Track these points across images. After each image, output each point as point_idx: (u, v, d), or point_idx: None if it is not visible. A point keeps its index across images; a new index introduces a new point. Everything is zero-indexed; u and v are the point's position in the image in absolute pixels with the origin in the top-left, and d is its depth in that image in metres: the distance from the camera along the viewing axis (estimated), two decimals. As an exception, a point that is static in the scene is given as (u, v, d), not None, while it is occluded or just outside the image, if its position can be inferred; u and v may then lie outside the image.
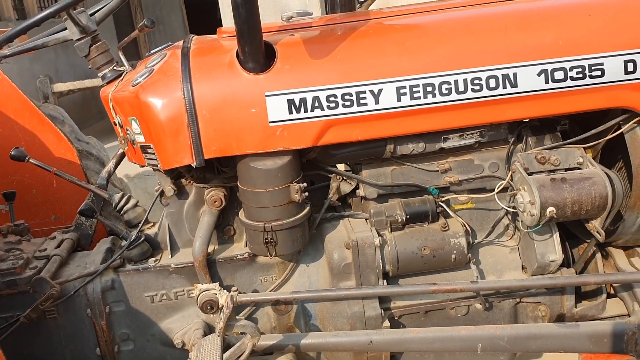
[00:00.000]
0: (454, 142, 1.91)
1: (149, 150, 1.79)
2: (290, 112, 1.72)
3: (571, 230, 2.14)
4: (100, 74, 1.97)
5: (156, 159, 1.78)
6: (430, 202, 1.93)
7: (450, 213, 1.97)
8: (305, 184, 1.82)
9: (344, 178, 2.00)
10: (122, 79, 1.92)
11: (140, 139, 1.80)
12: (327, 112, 1.72)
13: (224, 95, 1.71)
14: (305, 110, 1.72)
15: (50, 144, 2.57)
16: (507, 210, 1.95)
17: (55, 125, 2.75)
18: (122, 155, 2.25)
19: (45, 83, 5.84)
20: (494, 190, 1.94)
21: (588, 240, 2.06)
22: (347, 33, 1.82)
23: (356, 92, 1.72)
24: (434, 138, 1.90)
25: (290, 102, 1.71)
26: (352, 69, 1.74)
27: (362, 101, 1.72)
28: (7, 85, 2.55)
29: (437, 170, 1.96)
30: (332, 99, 1.72)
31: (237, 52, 1.73)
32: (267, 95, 1.70)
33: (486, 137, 1.92)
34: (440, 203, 1.95)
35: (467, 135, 1.90)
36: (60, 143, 2.58)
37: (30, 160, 2.13)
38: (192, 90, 1.69)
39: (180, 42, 1.92)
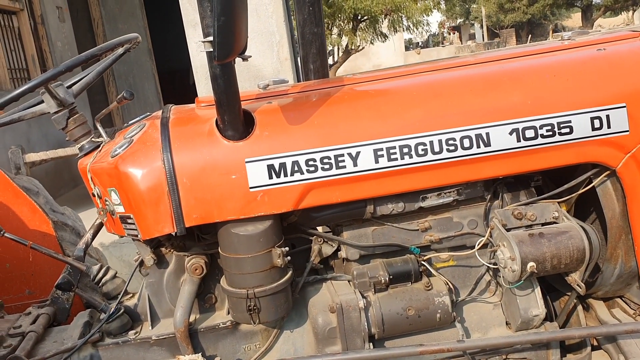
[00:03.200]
0: (432, 201, 1.93)
1: (129, 221, 1.78)
2: (270, 177, 1.73)
3: (552, 283, 2.16)
4: (78, 146, 1.97)
5: (136, 229, 1.77)
6: (413, 262, 1.94)
7: (433, 271, 1.98)
8: (287, 248, 1.82)
9: (325, 240, 2.00)
10: (100, 150, 1.92)
11: (120, 209, 1.79)
12: (306, 175, 1.74)
13: (204, 163, 1.72)
14: (285, 175, 1.73)
15: (25, 217, 2.53)
16: (488, 266, 1.97)
17: (30, 197, 2.71)
18: (99, 226, 2.23)
19: (17, 153, 5.78)
20: (474, 247, 1.96)
21: (569, 293, 2.08)
22: (323, 99, 1.86)
23: (335, 156, 1.74)
24: (412, 198, 1.92)
25: (270, 167, 1.73)
26: (329, 134, 1.77)
27: (340, 164, 1.75)
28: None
29: (417, 229, 1.98)
30: (311, 162, 1.74)
31: (216, 120, 1.76)
32: (247, 162, 1.72)
33: (463, 195, 1.95)
34: (422, 262, 1.95)
35: (445, 193, 1.93)
36: (35, 215, 2.54)
37: (5, 234, 2.09)
38: (173, 159, 1.70)
39: (159, 112, 1.94)
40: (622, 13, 38.30)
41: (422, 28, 23.87)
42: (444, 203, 1.94)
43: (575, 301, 2.07)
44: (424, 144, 1.77)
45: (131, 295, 2.09)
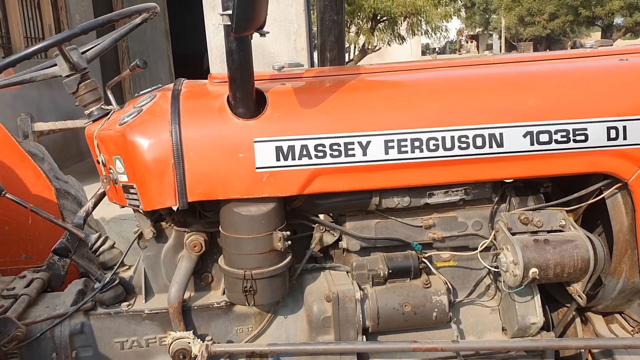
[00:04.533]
0: (438, 198, 1.90)
1: (132, 191, 1.76)
2: (278, 159, 1.71)
3: (551, 293, 2.13)
4: (87, 112, 1.95)
5: (138, 200, 1.75)
6: (413, 258, 1.91)
7: (433, 270, 1.95)
8: (288, 233, 1.80)
9: (327, 229, 1.97)
10: (108, 118, 1.91)
11: (123, 178, 1.77)
12: (314, 160, 1.72)
13: (212, 138, 1.70)
14: (293, 158, 1.71)
15: (28, 181, 2.51)
16: (489, 269, 1.94)
17: (35, 162, 2.70)
18: (101, 196, 2.21)
19: (26, 121, 5.78)
20: (476, 248, 1.94)
21: (568, 305, 2.05)
22: (338, 85, 1.84)
23: (344, 143, 1.72)
24: (419, 193, 1.89)
25: (279, 149, 1.70)
26: (341, 120, 1.75)
27: (350, 152, 1.72)
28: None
29: (421, 226, 1.95)
30: (320, 148, 1.71)
31: (227, 97, 1.73)
32: (255, 141, 1.70)
33: (471, 195, 1.93)
34: (423, 259, 1.93)
35: (452, 192, 1.90)
36: (39, 180, 2.52)
37: (7, 194, 2.08)
38: (181, 132, 1.68)
39: (171, 85, 1.92)
40: (642, 36, 38.09)
41: (441, 34, 23.83)
42: (450, 201, 1.92)
43: (574, 313, 2.04)
44: (436, 139, 1.74)
45: (127, 267, 2.07)
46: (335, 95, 1.79)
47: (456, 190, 1.90)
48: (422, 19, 20.57)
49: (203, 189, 1.70)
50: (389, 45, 20.21)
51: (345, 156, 1.72)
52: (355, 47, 20.00)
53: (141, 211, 1.81)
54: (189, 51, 12.61)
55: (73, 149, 8.20)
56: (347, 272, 1.97)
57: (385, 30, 20.25)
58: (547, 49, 38.75)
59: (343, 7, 2.44)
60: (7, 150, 2.50)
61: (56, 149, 7.17)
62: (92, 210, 2.20)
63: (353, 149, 1.72)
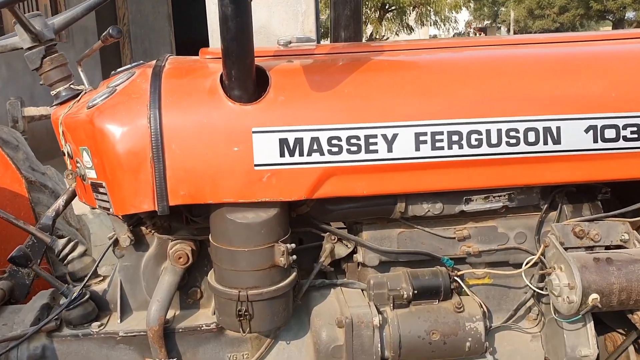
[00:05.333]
0: (477, 204, 1.57)
1: (101, 190, 1.43)
2: (282, 155, 1.37)
3: (600, 317, 1.80)
4: (54, 92, 1.62)
5: (108, 201, 1.41)
6: (443, 276, 1.58)
7: (466, 290, 1.62)
8: (293, 245, 1.46)
9: (341, 239, 1.64)
10: (78, 100, 1.57)
11: (92, 174, 1.44)
12: (327, 157, 1.38)
13: (200, 127, 1.36)
14: (301, 154, 1.37)
15: (-5, 172, 2.19)
16: (536, 291, 1.61)
17: (6, 150, 2.37)
18: (74, 193, 1.88)
19: (15, 106, 5.42)
20: (516, 264, 1.62)
21: (621, 331, 1.72)
22: (357, 64, 1.50)
23: (365, 136, 1.38)
24: (454, 199, 1.55)
25: (283, 142, 1.37)
26: (361, 107, 1.41)
27: (371, 147, 1.39)
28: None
29: (454, 238, 1.62)
30: (335, 142, 1.38)
31: (221, 76, 1.40)
32: (254, 132, 1.36)
33: (515, 201, 1.59)
34: (455, 277, 1.60)
35: (494, 197, 1.57)
36: (7, 171, 2.19)
37: None
38: (161, 118, 1.34)
39: (154, 62, 1.59)
40: (653, 31, 37.47)
41: (450, 24, 23.45)
42: (490, 209, 1.58)
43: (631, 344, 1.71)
44: (479, 133, 1.41)
45: (101, 278, 1.74)
46: (354, 77, 1.45)
47: (498, 196, 1.57)
48: (431, 9, 20.22)
49: (188, 190, 1.37)
50: (397, 35, 19.88)
51: (366, 152, 1.39)
52: (362, 36, 19.69)
53: (113, 214, 1.48)
54: (192, 37, 12.24)
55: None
56: (363, 291, 1.64)
57: (394, 20, 19.97)
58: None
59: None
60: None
61: (49, 136, 6.83)
62: (63, 210, 1.87)
63: (376, 144, 1.39)
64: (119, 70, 1.60)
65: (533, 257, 1.58)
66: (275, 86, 1.40)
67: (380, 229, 1.62)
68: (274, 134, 1.36)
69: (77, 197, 1.88)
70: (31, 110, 5.80)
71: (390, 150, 1.39)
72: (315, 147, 1.37)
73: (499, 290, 1.71)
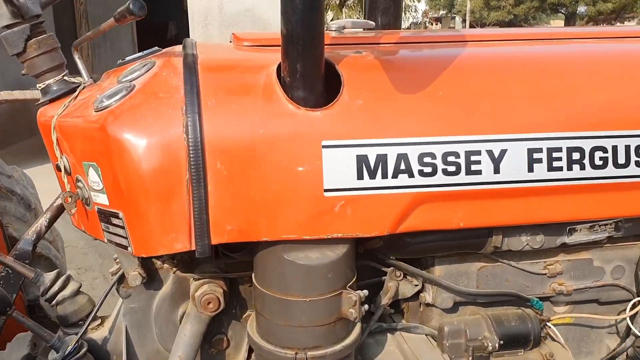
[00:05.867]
0: (581, 235, 1.26)
1: (115, 221, 1.05)
2: (360, 177, 1.03)
3: None
4: (41, 85, 1.21)
5: (126, 237, 1.04)
6: (533, 321, 1.28)
7: (558, 336, 1.33)
8: (366, 292, 1.12)
9: (407, 275, 1.31)
10: (75, 98, 1.18)
11: (101, 199, 1.06)
12: (417, 180, 1.05)
13: (253, 139, 1.00)
14: (384, 176, 1.04)
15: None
16: (638, 335, 1.33)
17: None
18: (60, 209, 1.50)
19: (-35, 89, 4.89)
20: (606, 302, 1.34)
21: None
22: (449, 60, 1.16)
23: (466, 152, 1.06)
24: (557, 229, 1.24)
25: (362, 160, 1.03)
26: (461, 115, 1.08)
27: (473, 167, 1.06)
28: None
29: (544, 274, 1.32)
30: (427, 159, 1.05)
31: (278, 70, 1.05)
32: (324, 146, 1.02)
33: (621, 230, 1.29)
34: (548, 324, 1.30)
35: (600, 227, 1.27)
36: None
37: None
38: (202, 127, 0.98)
39: (176, 48, 1.22)
40: (603, 25, 38.36)
41: (410, 13, 23.30)
42: (594, 240, 1.28)
43: None
44: (604, 150, 1.10)
45: (98, 322, 1.36)
46: (448, 75, 1.12)
47: (605, 225, 1.27)
48: (393, -3, 19.95)
49: (237, 224, 1.01)
50: (359, 22, 19.59)
51: (467, 174, 1.06)
52: (401, 22, 19.46)
53: (131, 253, 1.10)
54: (150, 20, 11.63)
55: (22, 121, 7.23)
56: (427, 336, 1.33)
57: (354, 7, 19.71)
58: (510, 34, 38.48)
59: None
60: None
61: (1, 122, 6.27)
62: (46, 231, 1.49)
63: (479, 162, 1.07)
64: (128, 58, 1.22)
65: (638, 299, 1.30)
66: (349, 86, 1.05)
67: (457, 263, 1.30)
68: (350, 149, 1.02)
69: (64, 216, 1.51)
70: (-17, 94, 5.23)
71: (497, 171, 1.07)
72: (402, 166, 1.04)
73: (581, 331, 1.43)
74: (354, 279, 1.15)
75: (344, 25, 1.32)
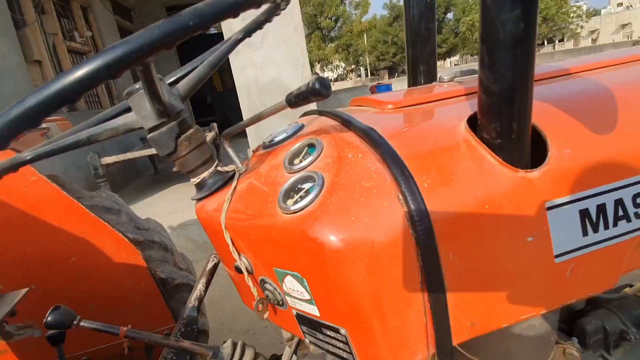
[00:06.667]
0: None
1: (329, 332, 0.51)
2: (585, 233, 0.51)
3: None
4: (195, 180, 0.65)
5: (351, 353, 0.50)
6: None
7: None
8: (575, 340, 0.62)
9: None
10: (233, 186, 0.63)
11: (307, 308, 0.52)
12: (635, 224, 0.54)
13: (479, 216, 0.47)
14: (606, 226, 0.52)
15: (109, 249, 1.19)
16: None
17: (110, 216, 1.37)
18: (212, 272, 0.94)
19: (94, 158, 4.19)
20: None
21: None
22: (611, 89, 0.64)
23: None
24: None
25: (584, 215, 0.51)
26: None
27: None
28: (47, 187, 1.10)
29: None
30: None
31: (477, 131, 0.51)
32: (549, 208, 0.49)
33: None
34: None
35: None
36: (121, 246, 1.20)
37: (82, 323, 0.77)
38: (429, 215, 0.45)
39: (322, 118, 0.67)
40: (441, 61, 38.28)
41: (332, 66, 22.63)
42: None
43: None
44: None
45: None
46: (622, 106, 0.60)
47: None
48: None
49: (478, 317, 0.48)
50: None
51: None
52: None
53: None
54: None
55: (131, 170, 6.46)
56: None
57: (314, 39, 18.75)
58: (391, 74, 38.23)
59: (435, 14, 1.20)
60: (74, 219, 1.15)
61: (119, 173, 5.52)
62: (205, 295, 0.93)
63: None
64: (278, 139, 0.66)
65: None
66: (554, 139, 0.53)
67: None
68: (572, 205, 0.50)
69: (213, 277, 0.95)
70: (107, 160, 4.50)
71: None
72: (620, 212, 0.53)
73: None
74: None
75: (454, 75, 0.79)
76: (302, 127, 0.66)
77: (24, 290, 0.69)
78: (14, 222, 1.03)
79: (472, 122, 0.52)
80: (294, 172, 0.53)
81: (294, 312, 0.53)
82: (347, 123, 0.57)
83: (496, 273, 0.48)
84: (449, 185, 0.46)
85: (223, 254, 0.61)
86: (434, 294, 0.44)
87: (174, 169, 0.65)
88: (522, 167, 0.49)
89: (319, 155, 0.53)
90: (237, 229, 0.55)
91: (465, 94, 0.68)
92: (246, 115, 3.12)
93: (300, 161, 0.54)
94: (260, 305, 0.55)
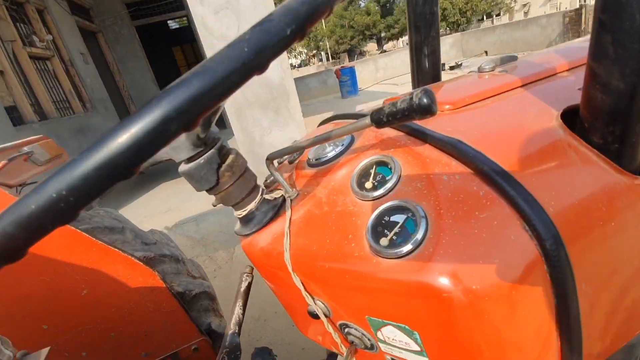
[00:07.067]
0: None
1: None
2: None
3: None
4: (241, 213, 0.50)
5: None
6: None
7: None
8: None
9: None
10: (289, 221, 0.48)
11: (412, 358, 0.42)
12: None
13: (605, 234, 0.37)
14: None
15: (122, 275, 1.03)
16: None
17: (115, 235, 1.20)
18: (247, 292, 0.82)
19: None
20: None
21: None
22: None
23: None
24: None
25: None
26: None
27: None
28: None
29: None
30: None
31: (585, 134, 0.41)
32: None
33: None
34: None
35: None
36: (135, 270, 1.04)
37: None
38: (565, 246, 0.35)
39: (376, 129, 0.54)
40: (394, 41, 38.13)
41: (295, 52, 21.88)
42: None
43: None
44: None
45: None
46: None
47: None
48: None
49: (602, 348, 0.40)
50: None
51: None
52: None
53: None
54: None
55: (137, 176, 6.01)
56: None
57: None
58: (351, 56, 37.72)
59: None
60: (80, 249, 0.97)
61: (153, 168, 5.08)
62: (243, 318, 0.81)
63: None
64: (324, 157, 0.53)
65: None
66: None
67: None
68: None
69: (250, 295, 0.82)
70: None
71: None
72: None
73: None
74: None
75: (494, 62, 0.68)
76: (352, 140, 0.53)
77: (45, 350, 0.55)
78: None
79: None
80: (370, 200, 0.41)
81: (389, 358, 0.43)
82: (418, 133, 0.45)
83: (622, 297, 0.39)
84: (574, 206, 0.36)
85: (283, 292, 0.49)
86: (571, 337, 0.35)
87: (214, 203, 0.51)
88: (633, 171, 0.40)
89: (399, 178, 0.41)
90: (310, 271, 0.43)
91: (522, 85, 0.57)
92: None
93: (375, 185, 0.42)
94: (349, 353, 0.43)
